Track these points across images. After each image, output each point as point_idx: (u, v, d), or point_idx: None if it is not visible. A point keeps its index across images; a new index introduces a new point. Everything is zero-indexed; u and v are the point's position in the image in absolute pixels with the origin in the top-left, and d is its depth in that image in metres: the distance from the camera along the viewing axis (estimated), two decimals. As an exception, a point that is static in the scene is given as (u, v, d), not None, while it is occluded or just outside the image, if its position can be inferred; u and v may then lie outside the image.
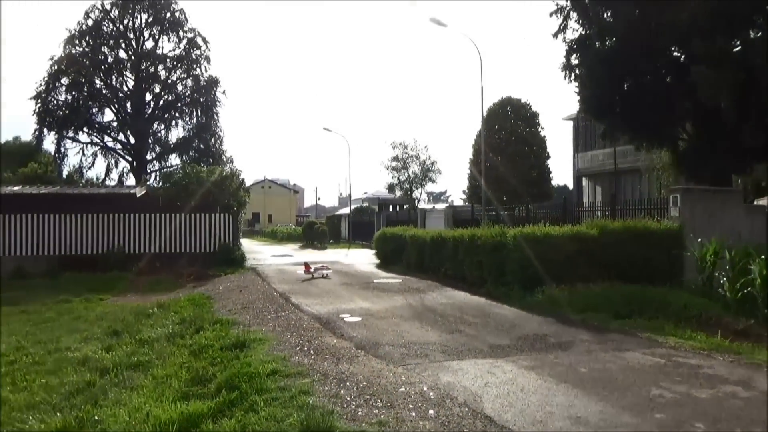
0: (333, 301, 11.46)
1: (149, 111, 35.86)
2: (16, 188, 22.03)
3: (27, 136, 55.20)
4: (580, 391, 5.50)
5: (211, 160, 33.90)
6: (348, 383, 5.81)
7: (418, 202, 43.14)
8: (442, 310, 10.15)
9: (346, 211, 48.45)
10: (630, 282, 10.02)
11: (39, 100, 33.87)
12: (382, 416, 4.93)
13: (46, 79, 34.01)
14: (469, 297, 11.71)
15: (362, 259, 23.68)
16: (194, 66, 36.07)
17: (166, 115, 36.34)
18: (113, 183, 35.63)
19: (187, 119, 36.32)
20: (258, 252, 30.20)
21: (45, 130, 34.37)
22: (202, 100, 36.08)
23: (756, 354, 6.70)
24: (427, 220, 27.43)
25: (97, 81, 34.77)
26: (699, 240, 10.06)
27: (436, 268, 15.07)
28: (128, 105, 35.65)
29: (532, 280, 10.64)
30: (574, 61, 16.12)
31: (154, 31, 35.61)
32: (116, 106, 35.44)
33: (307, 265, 16.93)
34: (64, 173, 34.90)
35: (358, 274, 17.35)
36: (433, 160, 42.60)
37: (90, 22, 34.89)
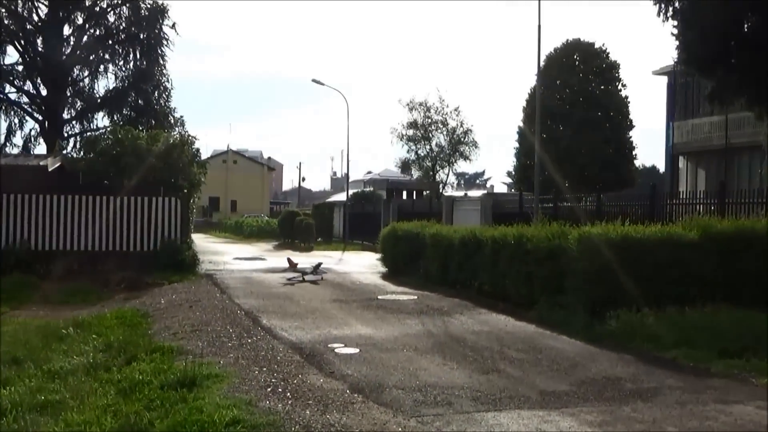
0: (320, 323, 11.61)
1: (68, 51, 35.88)
2: None
3: None
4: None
5: (153, 122, 33.98)
6: (339, 442, 5.94)
7: (443, 188, 43.28)
8: (473, 340, 10.28)
9: (341, 197, 48.58)
10: (744, 306, 10.13)
11: None
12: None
13: None
14: (512, 323, 11.84)
15: (362, 265, 23.89)
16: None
17: (91, 57, 36.32)
18: (15, 151, 35.73)
19: (121, 63, 36.30)
20: (216, 252, 30.46)
21: None
22: (142, 36, 36.02)
23: None
24: (455, 212, 27.82)
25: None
26: None
27: (467, 282, 15.39)
28: (39, 41, 35.65)
29: (603, 301, 10.79)
30: (674, -13, 16.24)
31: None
32: (22, 42, 35.40)
33: (291, 261, 17.63)
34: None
35: (357, 286, 17.52)
36: (467, 127, 42.63)
37: None
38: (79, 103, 36.51)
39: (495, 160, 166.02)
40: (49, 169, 21.39)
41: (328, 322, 11.71)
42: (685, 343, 9.27)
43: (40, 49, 35.39)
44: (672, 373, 8.31)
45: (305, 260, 23.42)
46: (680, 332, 9.55)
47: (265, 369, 8.33)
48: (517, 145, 37.88)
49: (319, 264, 20.31)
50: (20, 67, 35.50)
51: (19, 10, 34.89)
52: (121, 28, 36.16)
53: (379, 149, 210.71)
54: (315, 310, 13.12)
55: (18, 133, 36.12)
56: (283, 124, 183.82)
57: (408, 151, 43.37)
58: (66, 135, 35.87)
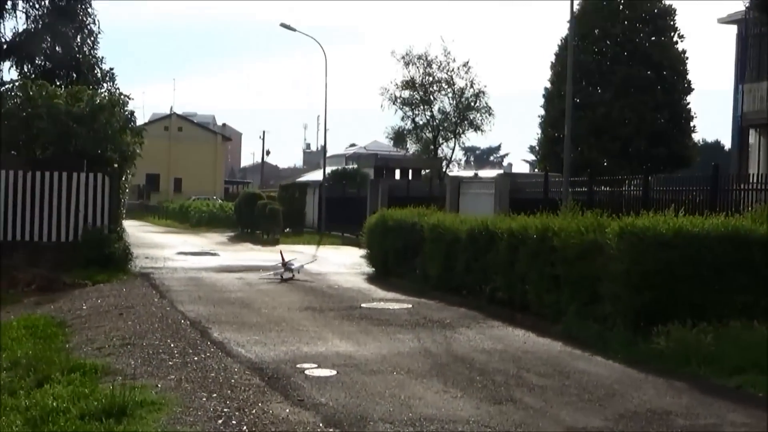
0: (287, 337, 11.65)
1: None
2: None
3: None
4: None
5: (74, 76, 33.82)
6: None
7: (447, 166, 43.29)
8: (483, 361, 10.32)
9: (316, 176, 48.37)
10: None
11: None
12: None
13: None
14: (533, 339, 11.90)
15: (343, 264, 23.99)
16: None
17: (-6, -11, 35.97)
18: None
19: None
20: (155, 245, 30.44)
21: None
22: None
23: None
24: (462, 197, 28.00)
25: None
26: None
27: (476, 287, 15.40)
28: None
29: (649, 313, 10.86)
30: None
31: None
32: None
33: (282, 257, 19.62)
34: None
35: (335, 291, 17.61)
36: (479, 88, 42.59)
37: None
38: (-22, 49, 36.17)
39: (514, 132, 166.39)
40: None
41: (297, 336, 11.71)
42: (753, 367, 9.25)
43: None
44: (736, 406, 8.31)
45: (266, 258, 23.40)
46: (747, 353, 9.51)
47: (215, 395, 8.34)
48: (542, 112, 38.02)
49: (302, 266, 20.66)
50: None
51: None
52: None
53: (366, 116, 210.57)
54: (281, 321, 13.11)
55: None
56: (243, 82, 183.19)
57: (403, 119, 43.21)
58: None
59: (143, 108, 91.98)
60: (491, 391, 8.76)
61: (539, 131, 38.07)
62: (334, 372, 9.52)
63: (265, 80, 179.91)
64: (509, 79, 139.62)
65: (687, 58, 35.99)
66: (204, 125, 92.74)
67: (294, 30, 42.62)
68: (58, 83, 27.40)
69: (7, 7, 36.11)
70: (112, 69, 36.40)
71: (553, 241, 12.78)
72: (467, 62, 40.63)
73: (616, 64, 34.50)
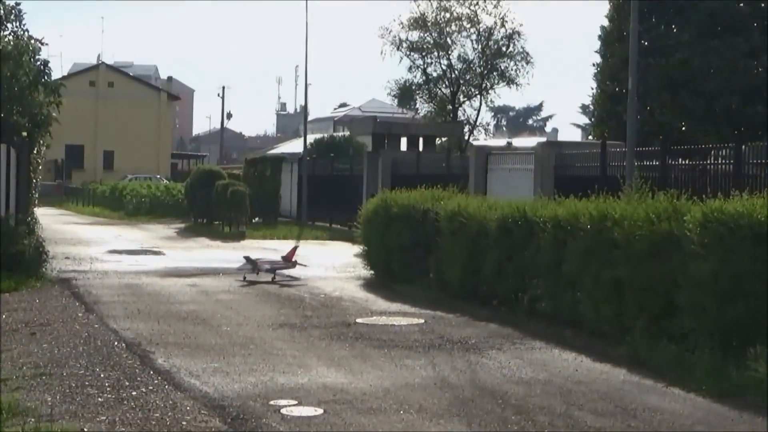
0: (257, 364, 11.64)
1: None
2: None
3: None
4: None
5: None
6: None
7: (471, 132, 43.18)
8: (521, 395, 10.32)
9: (294, 147, 48.05)
10: None
11: None
12: None
13: None
14: (588, 366, 11.92)
15: (331, 265, 24.30)
16: None
17: None
18: None
19: None
20: (79, 241, 30.40)
21: None
22: None
23: None
24: (491, 174, 28.16)
25: None
26: None
27: (510, 295, 15.44)
28: None
29: (743, 329, 10.87)
30: None
31: None
32: None
33: (292, 253, 20.56)
34: None
35: (321, 301, 17.67)
36: (512, 27, 42.54)
37: None
38: None
39: (560, 87, 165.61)
40: None
41: (270, 363, 11.72)
42: None
43: None
44: None
45: (225, 257, 23.66)
46: None
47: (161, 444, 8.06)
48: (597, 59, 37.78)
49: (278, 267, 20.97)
50: None
51: None
52: None
53: (361, 67, 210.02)
54: (248, 342, 13.14)
55: None
56: (197, 22, 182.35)
57: (410, 69, 43.23)
58: None
59: (61, 57, 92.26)
60: (532, 437, 8.47)
61: (594, 86, 37.85)
62: (320, 410, 9.46)
63: (225, 21, 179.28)
64: (553, 17, 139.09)
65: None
66: (144, 80, 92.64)
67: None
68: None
69: None
70: (18, 4, 36.30)
71: (613, 233, 12.78)
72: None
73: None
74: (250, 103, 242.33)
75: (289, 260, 20.78)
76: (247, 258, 20.77)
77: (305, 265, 21.75)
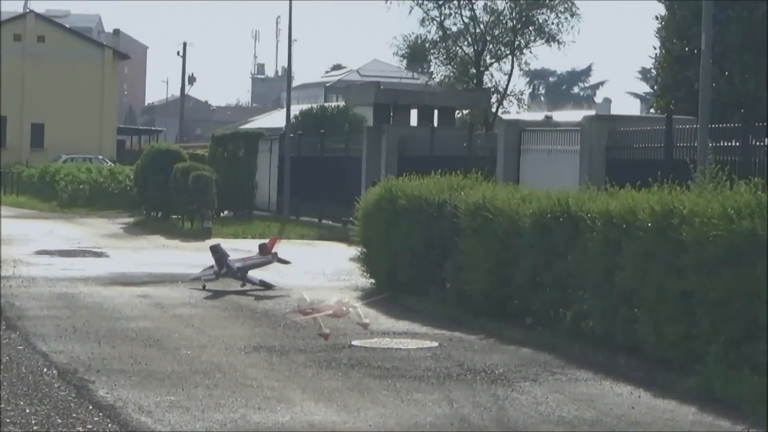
0: (225, 398, 11.25)
1: None
2: None
3: None
4: None
5: None
6: None
7: (501, 103, 41.24)
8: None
9: (274, 120, 46.40)
10: None
11: None
12: None
13: None
14: (648, 402, 11.54)
15: (320, 270, 24.09)
16: None
17: None
18: None
19: None
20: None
21: None
22: None
23: None
24: (525, 157, 27.41)
25: None
26: None
27: (549, 310, 14.99)
28: None
29: None
30: None
31: None
32: None
33: (271, 243, 20.82)
34: None
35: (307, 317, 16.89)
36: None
37: None
38: None
39: (614, 47, 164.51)
40: None
41: (242, 396, 11.17)
42: None
43: None
44: None
45: (195, 259, 23.68)
46: None
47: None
48: (662, 11, 35.46)
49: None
50: None
51: None
52: None
53: (359, 20, 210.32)
54: (214, 369, 12.60)
55: None
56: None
57: (424, 23, 41.43)
58: None
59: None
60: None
61: (657, 45, 35.67)
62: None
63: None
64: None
65: None
66: (83, 33, 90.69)
67: None
68: None
69: None
70: None
71: (681, 232, 12.23)
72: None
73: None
74: (219, 65, 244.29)
75: (267, 252, 20.17)
76: (214, 249, 20.26)
77: (288, 262, 21.79)
